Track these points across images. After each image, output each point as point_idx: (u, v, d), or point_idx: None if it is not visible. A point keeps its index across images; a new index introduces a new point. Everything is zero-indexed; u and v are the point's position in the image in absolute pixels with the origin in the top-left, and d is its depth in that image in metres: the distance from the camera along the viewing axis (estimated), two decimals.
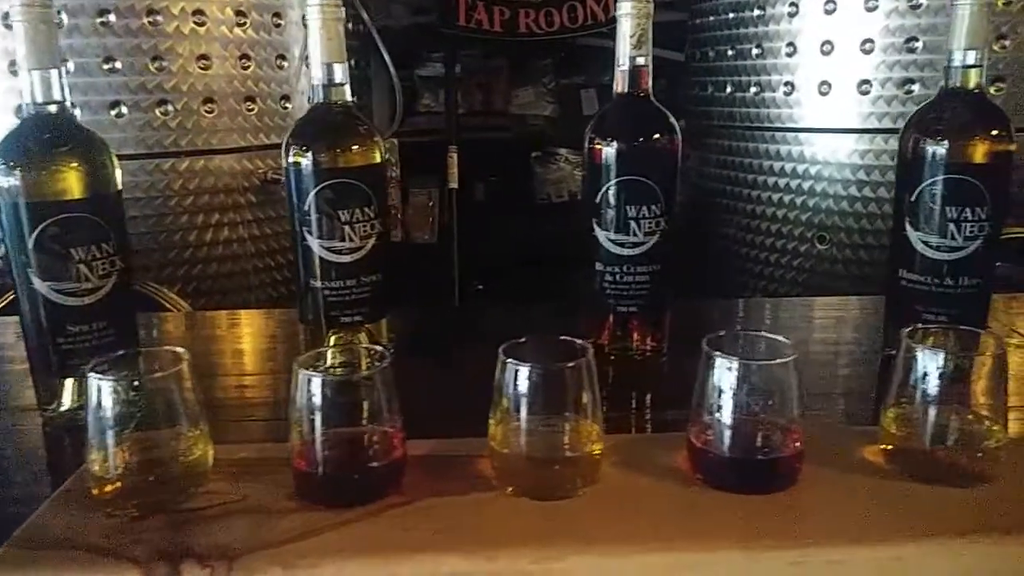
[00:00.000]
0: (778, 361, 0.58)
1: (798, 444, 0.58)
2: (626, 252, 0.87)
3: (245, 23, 1.69)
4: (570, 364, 0.56)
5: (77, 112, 1.56)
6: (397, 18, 2.76)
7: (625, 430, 0.79)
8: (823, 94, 1.77)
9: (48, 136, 0.74)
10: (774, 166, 1.88)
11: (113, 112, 1.59)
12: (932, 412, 0.60)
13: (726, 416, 0.58)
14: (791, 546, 0.53)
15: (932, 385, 0.59)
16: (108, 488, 0.57)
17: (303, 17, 1.22)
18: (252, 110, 1.73)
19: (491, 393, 0.58)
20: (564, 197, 2.92)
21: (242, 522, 0.55)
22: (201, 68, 1.65)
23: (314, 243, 0.83)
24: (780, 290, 1.90)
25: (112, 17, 1.56)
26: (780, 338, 0.60)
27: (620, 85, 0.87)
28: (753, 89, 1.90)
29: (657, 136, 0.87)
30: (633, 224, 0.86)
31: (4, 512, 0.64)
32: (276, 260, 1.78)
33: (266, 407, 0.85)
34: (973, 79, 0.80)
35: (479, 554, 0.53)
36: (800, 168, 1.84)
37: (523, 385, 0.56)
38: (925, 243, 0.81)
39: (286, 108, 1.78)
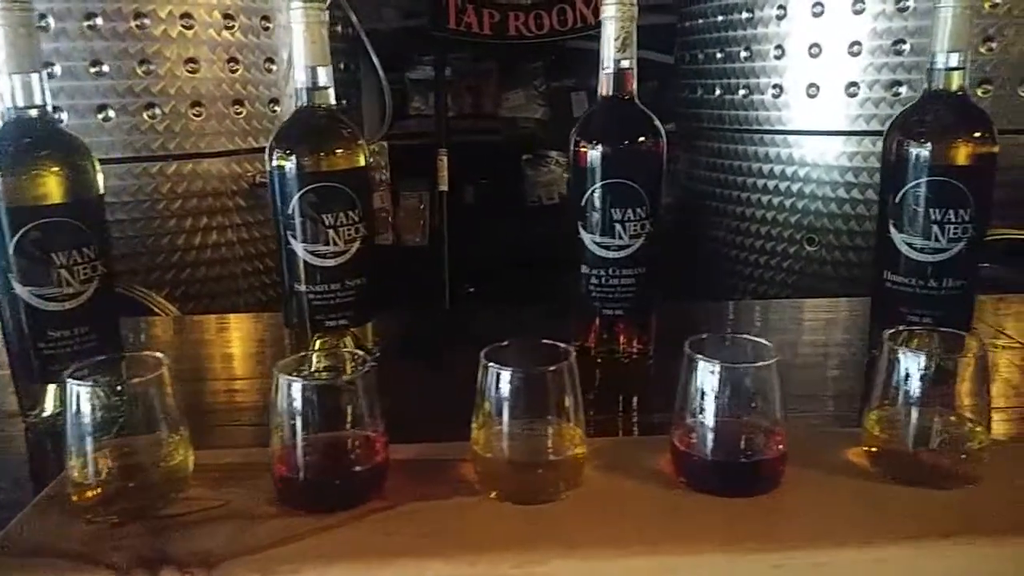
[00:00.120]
0: (760, 364, 0.58)
1: (781, 447, 0.58)
2: (611, 255, 0.87)
3: (233, 26, 1.69)
4: (552, 368, 0.56)
5: (64, 116, 1.55)
6: (387, 21, 2.75)
7: (612, 433, 0.79)
8: (811, 96, 1.78)
9: (28, 140, 0.73)
10: (763, 168, 1.88)
11: (100, 116, 1.58)
12: (915, 414, 0.60)
13: (709, 419, 0.58)
14: (774, 549, 0.53)
15: (914, 387, 0.59)
16: (88, 494, 0.56)
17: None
18: (240, 113, 1.72)
19: None
20: (555, 199, 2.92)
21: (222, 528, 0.55)
22: (189, 71, 1.64)
23: (298, 247, 0.82)
24: (769, 292, 1.90)
25: (99, 20, 1.55)
26: (762, 340, 0.60)
27: (605, 88, 0.87)
28: (742, 91, 1.91)
29: (642, 139, 0.87)
30: (618, 227, 0.86)
31: None
32: (265, 264, 1.77)
33: (255, 411, 0.85)
34: (956, 81, 0.80)
35: (461, 559, 0.52)
36: (789, 170, 1.84)
37: (505, 389, 0.56)
38: (909, 245, 0.81)
39: (274, 111, 1.77)
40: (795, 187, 1.83)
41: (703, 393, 0.57)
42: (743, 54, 1.89)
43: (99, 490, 0.56)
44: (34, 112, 0.73)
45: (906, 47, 1.64)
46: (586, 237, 0.87)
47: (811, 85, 1.77)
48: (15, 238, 0.71)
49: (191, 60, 1.64)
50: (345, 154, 0.83)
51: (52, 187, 0.73)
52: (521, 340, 0.59)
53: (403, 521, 0.56)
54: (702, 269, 2.07)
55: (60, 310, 0.74)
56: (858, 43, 1.69)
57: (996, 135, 0.80)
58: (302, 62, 0.81)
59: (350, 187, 0.82)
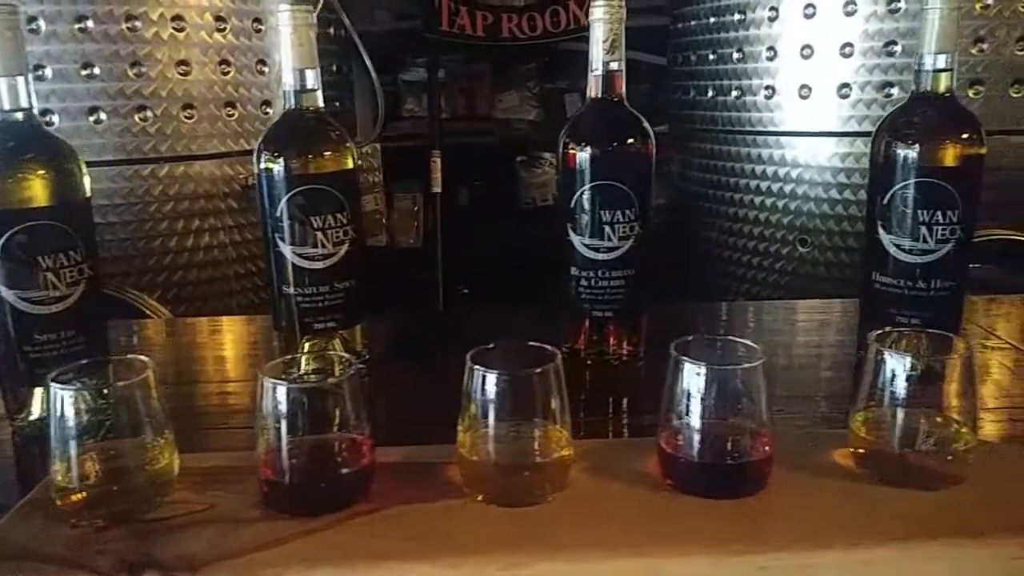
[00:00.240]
0: (746, 365, 0.58)
1: (767, 448, 0.58)
2: (601, 257, 0.87)
3: (225, 28, 1.69)
4: (538, 370, 0.56)
5: (55, 119, 1.55)
6: (380, 23, 2.75)
7: (602, 435, 0.79)
8: (803, 98, 1.78)
9: (14, 144, 0.73)
10: (755, 169, 1.89)
11: (92, 118, 1.58)
12: (901, 415, 0.60)
13: (695, 421, 0.58)
14: (760, 550, 0.53)
15: (900, 388, 0.59)
16: (72, 498, 0.56)
17: None
18: (232, 115, 1.72)
19: None
20: (549, 201, 2.92)
21: (207, 531, 0.54)
22: (180, 74, 1.64)
23: (286, 249, 0.82)
24: (762, 293, 1.90)
25: (90, 23, 1.55)
26: (749, 342, 0.60)
27: (594, 90, 0.87)
28: (734, 93, 1.91)
29: (631, 141, 0.87)
30: (607, 229, 0.86)
31: None
32: (257, 266, 1.77)
33: (247, 414, 0.84)
34: (943, 83, 0.80)
35: (446, 561, 0.52)
36: (781, 171, 1.85)
37: (491, 391, 0.56)
38: (897, 246, 0.81)
39: (267, 113, 1.77)
40: (787, 188, 1.84)
41: (689, 395, 0.57)
42: (735, 55, 1.89)
43: (83, 494, 0.56)
44: (20, 115, 0.73)
45: (897, 48, 1.65)
46: (575, 239, 0.87)
47: (803, 86, 1.77)
48: (1, 241, 0.71)
49: (183, 62, 1.64)
50: (333, 156, 0.83)
51: (38, 190, 0.73)
52: (507, 342, 0.59)
53: (389, 524, 0.56)
54: (695, 270, 2.07)
55: (46, 313, 0.73)
56: (850, 44, 1.69)
57: (984, 136, 0.80)
58: (290, 64, 0.81)
59: (338, 189, 0.82)
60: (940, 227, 0.79)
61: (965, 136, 0.80)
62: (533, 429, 0.58)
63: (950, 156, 0.80)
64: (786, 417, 0.80)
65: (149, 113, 1.62)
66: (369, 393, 0.88)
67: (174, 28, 1.62)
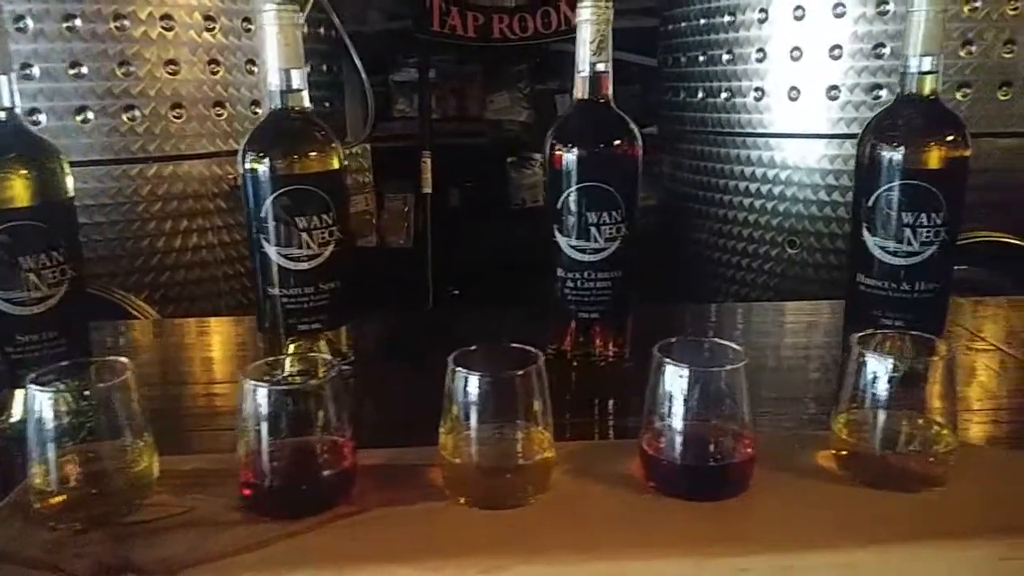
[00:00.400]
0: (728, 367, 0.58)
1: (749, 450, 0.58)
2: (587, 258, 0.87)
3: (214, 28, 1.68)
4: (520, 372, 0.56)
5: (43, 118, 1.54)
6: (371, 23, 2.75)
7: (588, 436, 0.79)
8: (793, 99, 1.78)
9: None
10: (745, 171, 1.89)
11: (79, 118, 1.57)
12: (882, 417, 0.60)
13: (677, 423, 0.57)
14: (741, 552, 0.53)
15: (881, 390, 0.59)
16: (51, 501, 0.56)
17: None
18: (221, 115, 1.71)
19: None
20: (539, 202, 2.89)
21: (186, 535, 0.54)
22: (169, 73, 1.63)
23: (271, 250, 0.82)
24: (752, 294, 1.91)
25: (78, 22, 1.54)
26: (731, 344, 0.60)
27: (580, 91, 0.87)
28: (724, 94, 1.92)
29: (617, 142, 0.87)
30: (594, 230, 0.86)
31: None
32: (245, 266, 1.77)
33: (234, 415, 0.84)
34: (928, 85, 0.80)
35: (427, 564, 0.52)
36: (771, 173, 1.85)
37: (473, 393, 0.56)
38: (882, 248, 0.82)
39: (256, 113, 1.76)
40: (777, 189, 1.84)
41: (671, 397, 0.57)
42: (725, 57, 1.90)
43: (62, 497, 0.56)
44: (3, 114, 0.72)
45: (886, 51, 1.66)
46: (561, 240, 0.87)
47: (792, 88, 1.78)
48: None
49: (171, 62, 1.63)
50: (319, 157, 0.83)
51: (19, 190, 0.72)
52: (490, 344, 0.59)
53: (370, 527, 0.55)
54: (684, 271, 2.08)
55: (28, 314, 0.73)
56: (839, 47, 1.70)
57: (968, 138, 0.81)
58: (275, 64, 0.81)
59: (323, 190, 0.82)
60: (924, 229, 0.80)
61: (949, 138, 0.80)
62: (515, 431, 0.58)
63: (934, 158, 0.80)
64: (774, 419, 0.80)
65: (137, 112, 1.61)
66: (355, 394, 0.88)
67: (163, 27, 1.62)
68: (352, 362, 0.88)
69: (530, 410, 0.57)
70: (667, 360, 0.57)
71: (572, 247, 0.87)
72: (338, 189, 0.84)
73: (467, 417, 0.57)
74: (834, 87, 1.72)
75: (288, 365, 0.66)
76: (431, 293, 2.54)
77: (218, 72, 1.70)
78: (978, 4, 1.62)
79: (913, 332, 0.65)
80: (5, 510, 0.58)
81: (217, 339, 1.20)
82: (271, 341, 0.86)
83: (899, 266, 0.81)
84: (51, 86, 1.55)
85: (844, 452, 0.61)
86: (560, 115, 0.94)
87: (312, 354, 0.80)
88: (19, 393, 0.75)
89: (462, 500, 0.58)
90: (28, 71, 1.52)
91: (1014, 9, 1.62)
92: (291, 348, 0.85)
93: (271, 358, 0.65)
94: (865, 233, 0.83)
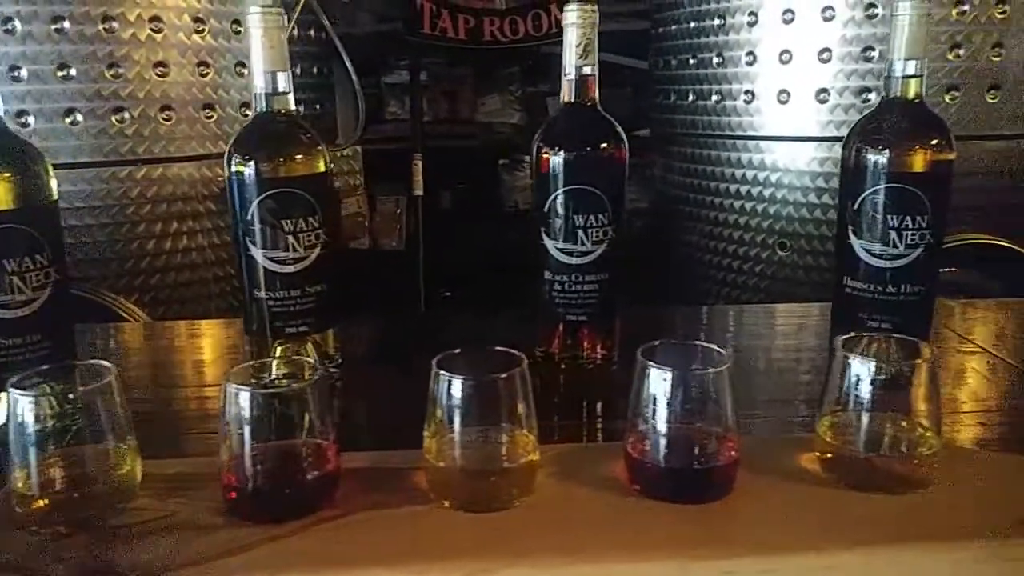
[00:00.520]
0: (712, 370, 0.58)
1: (733, 453, 0.59)
2: (574, 261, 0.87)
3: (203, 30, 1.68)
4: (503, 375, 0.56)
5: (31, 120, 1.54)
6: (361, 25, 2.75)
7: (575, 439, 0.79)
8: (782, 102, 1.79)
9: None
10: (735, 173, 1.90)
11: (68, 120, 1.56)
12: (866, 420, 0.60)
13: (661, 426, 0.58)
14: (725, 555, 0.53)
15: (865, 393, 0.59)
16: (33, 505, 0.56)
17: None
18: (211, 117, 1.71)
19: None
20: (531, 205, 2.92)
21: (169, 539, 0.54)
22: (158, 75, 1.63)
23: (257, 253, 0.82)
24: (742, 296, 1.91)
25: (66, 24, 1.54)
26: (715, 346, 0.60)
27: (567, 94, 0.87)
28: (714, 97, 1.92)
29: (604, 145, 0.87)
30: (581, 233, 0.86)
31: None
32: (235, 268, 1.76)
33: None
34: (913, 89, 0.80)
35: (411, 567, 0.52)
36: (761, 176, 1.85)
37: (456, 397, 0.56)
38: (868, 251, 0.82)
39: (246, 115, 1.76)
40: (767, 192, 1.84)
41: (655, 400, 0.57)
42: (715, 60, 1.90)
43: (44, 501, 0.55)
44: None
45: (875, 54, 1.66)
46: (549, 243, 0.87)
47: (782, 91, 1.78)
48: None
49: (160, 64, 1.62)
50: (304, 160, 0.83)
51: (2, 193, 0.72)
52: (474, 347, 0.59)
53: (354, 530, 0.55)
54: (675, 273, 2.08)
55: (12, 318, 0.73)
56: (828, 50, 1.70)
57: (953, 142, 0.81)
58: (260, 67, 0.80)
59: (309, 193, 0.81)
60: (910, 232, 0.80)
61: (934, 142, 0.81)
62: (500, 434, 0.58)
63: (919, 162, 0.80)
64: (763, 421, 0.80)
65: (126, 115, 1.61)
66: (342, 397, 0.88)
67: (152, 29, 1.61)
68: (339, 365, 0.88)
69: (514, 413, 0.57)
70: (650, 363, 0.57)
71: (559, 250, 0.87)
72: (324, 192, 0.84)
73: (451, 420, 0.57)
74: (823, 90, 1.72)
75: (275, 368, 0.66)
76: (423, 295, 2.54)
77: (207, 74, 1.70)
78: (966, 7, 1.62)
79: (898, 335, 0.65)
80: None
81: (207, 341, 1.19)
82: (258, 344, 0.85)
83: (885, 269, 0.81)
84: (39, 88, 1.54)
85: (828, 455, 0.62)
86: (547, 118, 0.94)
87: (298, 357, 0.80)
88: (2, 396, 0.75)
89: (446, 503, 0.58)
90: (16, 73, 1.52)
91: (1002, 12, 1.62)
92: (278, 351, 0.84)
93: (257, 361, 0.64)
94: (851, 236, 0.83)
